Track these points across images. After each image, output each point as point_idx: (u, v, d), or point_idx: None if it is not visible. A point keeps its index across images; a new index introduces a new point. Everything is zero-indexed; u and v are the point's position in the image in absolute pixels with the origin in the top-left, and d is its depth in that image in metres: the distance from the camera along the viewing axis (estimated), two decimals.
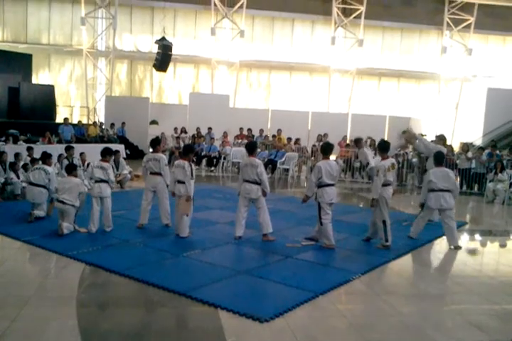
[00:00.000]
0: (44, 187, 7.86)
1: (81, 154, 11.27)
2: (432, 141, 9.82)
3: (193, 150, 7.73)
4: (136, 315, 4.29)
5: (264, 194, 6.91)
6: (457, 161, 13.71)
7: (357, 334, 4.08)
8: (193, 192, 6.86)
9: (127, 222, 7.77)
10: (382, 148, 7.13)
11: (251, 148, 7.14)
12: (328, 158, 6.86)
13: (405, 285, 5.52)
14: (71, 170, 7.34)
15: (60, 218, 7.01)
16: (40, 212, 7.73)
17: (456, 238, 7.28)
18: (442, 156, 7.68)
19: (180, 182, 6.81)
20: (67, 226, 6.84)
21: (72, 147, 10.81)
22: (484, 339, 4.15)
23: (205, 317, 4.33)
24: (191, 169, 6.78)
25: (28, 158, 10.09)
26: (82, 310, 4.33)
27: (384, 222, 6.83)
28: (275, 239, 6.93)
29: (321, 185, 6.60)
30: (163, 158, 7.54)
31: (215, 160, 16.01)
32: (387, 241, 6.79)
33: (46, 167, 8.09)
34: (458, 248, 7.18)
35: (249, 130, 17.60)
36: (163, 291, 4.80)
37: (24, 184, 9.36)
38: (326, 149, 6.88)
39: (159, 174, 7.37)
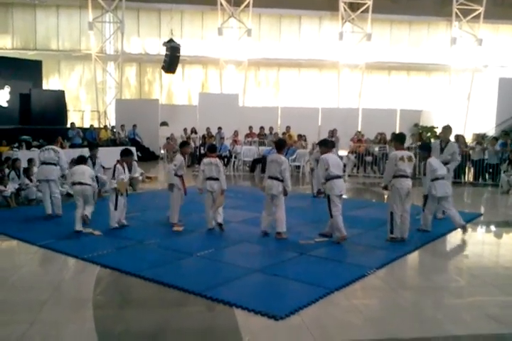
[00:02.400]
0: (55, 164, 8.43)
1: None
2: (439, 133, 9.77)
3: (216, 148, 8.02)
4: (152, 316, 4.31)
5: (285, 193, 6.96)
6: (470, 152, 13.58)
7: (373, 329, 4.06)
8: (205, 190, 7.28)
9: (141, 223, 7.82)
10: (399, 138, 7.27)
11: (280, 145, 7.28)
12: (331, 152, 7.04)
13: (421, 278, 5.48)
14: (82, 161, 7.96)
15: (80, 205, 7.33)
16: (89, 209, 7.61)
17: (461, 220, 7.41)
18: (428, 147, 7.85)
19: (212, 178, 7.13)
20: (89, 212, 7.36)
21: (96, 147, 10.84)
22: (502, 331, 4.11)
23: (220, 316, 4.34)
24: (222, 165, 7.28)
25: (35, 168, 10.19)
26: (98, 313, 4.36)
27: (391, 214, 6.83)
28: (288, 237, 6.92)
29: (329, 178, 6.68)
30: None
31: (226, 159, 16.03)
32: (392, 232, 6.80)
33: (55, 147, 8.71)
34: (465, 228, 7.40)
35: (262, 128, 17.56)
36: (179, 291, 4.82)
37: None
38: (327, 143, 7.20)
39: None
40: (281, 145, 7.32)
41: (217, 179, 7.15)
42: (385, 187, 7.04)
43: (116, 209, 7.30)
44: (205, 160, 7.33)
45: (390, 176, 6.86)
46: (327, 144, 7.16)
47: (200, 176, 7.32)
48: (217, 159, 7.31)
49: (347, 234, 6.72)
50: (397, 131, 17.49)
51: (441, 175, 7.28)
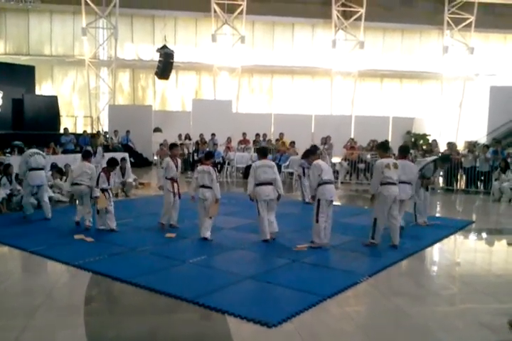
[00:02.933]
0: (43, 169, 8.64)
1: None
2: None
3: (213, 155, 7.89)
4: (144, 323, 4.29)
5: (279, 196, 7.08)
6: (462, 159, 13.67)
7: (365, 337, 4.07)
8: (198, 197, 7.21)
9: (133, 229, 7.80)
10: (382, 146, 7.41)
11: (264, 151, 7.46)
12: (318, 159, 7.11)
13: (413, 286, 5.49)
14: (87, 156, 8.27)
15: (79, 203, 7.89)
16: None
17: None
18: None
19: (205, 186, 7.05)
20: (88, 216, 7.69)
21: (125, 159, 11.23)
22: (493, 339, 4.12)
23: (213, 324, 4.33)
24: (215, 173, 7.19)
25: None
26: (90, 319, 4.34)
27: (375, 220, 6.88)
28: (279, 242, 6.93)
29: (321, 183, 6.72)
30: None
31: (219, 165, 16.03)
32: (372, 238, 6.87)
33: (40, 151, 8.98)
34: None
35: (257, 135, 17.53)
36: (171, 298, 4.80)
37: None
38: (314, 151, 7.41)
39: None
40: (265, 151, 7.50)
41: (209, 187, 7.05)
42: (373, 197, 7.02)
43: (98, 213, 7.57)
44: (199, 167, 7.32)
45: (377, 184, 6.89)
46: (315, 152, 7.34)
47: (193, 184, 7.28)
48: (210, 167, 7.19)
49: (329, 242, 6.78)
50: (390, 139, 17.61)
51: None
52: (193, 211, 8.49)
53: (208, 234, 7.08)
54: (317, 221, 6.68)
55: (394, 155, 14.38)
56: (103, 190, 7.52)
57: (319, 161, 6.93)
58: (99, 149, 9.89)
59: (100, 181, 7.51)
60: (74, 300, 4.84)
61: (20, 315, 4.39)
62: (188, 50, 24.25)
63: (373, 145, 15.54)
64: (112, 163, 7.85)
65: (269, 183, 6.99)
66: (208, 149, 16.78)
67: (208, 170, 7.09)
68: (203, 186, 7.08)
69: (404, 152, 8.01)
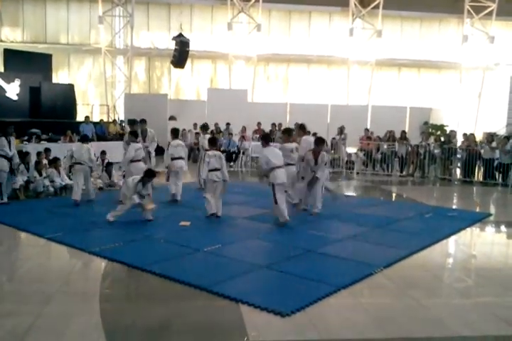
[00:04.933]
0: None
1: (102, 153, 11.38)
2: None
3: (217, 141, 8.35)
4: (158, 310, 4.31)
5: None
6: (481, 151, 13.45)
7: (379, 328, 4.04)
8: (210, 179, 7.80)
9: None
10: (288, 132, 8.44)
11: (267, 138, 7.88)
12: (269, 146, 7.70)
13: (428, 278, 5.43)
14: (85, 140, 9.31)
15: (85, 183, 8.96)
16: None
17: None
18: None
19: (217, 169, 7.56)
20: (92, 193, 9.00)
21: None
22: (509, 331, 4.07)
23: (226, 312, 4.33)
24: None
25: (45, 160, 10.24)
26: (105, 306, 4.37)
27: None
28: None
29: (272, 168, 7.28)
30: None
31: (234, 155, 16.00)
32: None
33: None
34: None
35: (273, 125, 17.44)
36: (185, 286, 4.82)
37: (46, 182, 9.57)
38: (267, 138, 7.86)
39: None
40: (268, 137, 7.97)
41: (219, 169, 7.60)
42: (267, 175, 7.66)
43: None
44: (210, 152, 7.71)
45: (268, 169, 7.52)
46: (267, 140, 7.73)
47: (206, 167, 7.59)
48: (219, 152, 7.80)
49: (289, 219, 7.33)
50: (407, 129, 17.40)
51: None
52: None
53: (220, 213, 7.73)
54: (276, 202, 7.28)
55: (411, 145, 14.25)
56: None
57: (267, 149, 7.53)
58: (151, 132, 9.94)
59: (138, 189, 7.33)
60: (89, 287, 4.88)
61: (35, 302, 4.43)
62: (204, 38, 24.16)
63: (390, 136, 15.39)
64: (150, 175, 7.53)
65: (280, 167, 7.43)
66: (223, 139, 16.76)
67: (219, 155, 7.68)
68: (214, 169, 7.55)
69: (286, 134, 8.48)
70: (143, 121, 9.94)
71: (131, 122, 10.53)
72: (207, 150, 8.02)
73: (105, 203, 9.04)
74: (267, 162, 7.31)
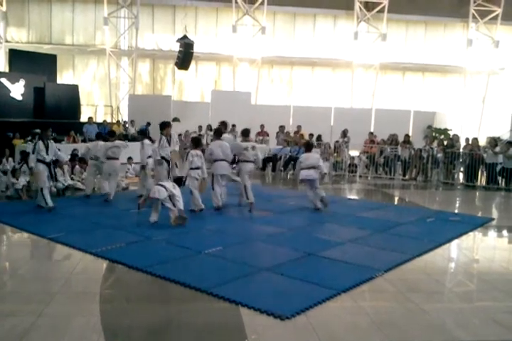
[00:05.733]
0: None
1: None
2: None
3: (201, 142, 8.84)
4: (158, 312, 4.32)
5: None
6: (484, 155, 13.42)
7: (379, 333, 4.03)
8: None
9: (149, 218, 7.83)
10: (245, 133, 9.44)
11: (309, 146, 9.52)
12: (220, 140, 8.73)
13: (429, 282, 5.42)
14: (99, 137, 10.11)
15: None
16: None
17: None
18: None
19: (198, 168, 8.20)
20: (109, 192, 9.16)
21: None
22: (509, 337, 4.05)
23: (226, 315, 4.33)
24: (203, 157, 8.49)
25: None
26: (105, 306, 4.38)
27: (245, 186, 8.75)
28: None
29: (214, 160, 8.49)
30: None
31: (236, 157, 15.96)
32: (248, 198, 8.64)
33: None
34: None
35: (282, 127, 17.40)
36: (185, 288, 4.82)
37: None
38: (219, 132, 8.96)
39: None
40: (219, 132, 8.98)
41: (200, 168, 8.27)
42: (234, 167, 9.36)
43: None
44: (193, 152, 8.28)
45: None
46: (219, 135, 8.84)
47: (188, 165, 8.15)
48: (200, 151, 8.43)
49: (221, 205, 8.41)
50: (410, 133, 17.40)
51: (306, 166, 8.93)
52: (207, 201, 8.54)
53: (203, 206, 8.30)
54: (213, 189, 8.50)
55: (414, 149, 14.24)
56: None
57: (214, 143, 8.67)
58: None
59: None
60: (90, 287, 4.89)
61: (36, 301, 4.44)
62: (208, 40, 24.21)
63: (393, 140, 15.37)
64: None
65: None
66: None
67: (200, 154, 8.36)
68: (196, 168, 8.18)
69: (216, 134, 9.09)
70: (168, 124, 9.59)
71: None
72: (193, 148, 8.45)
73: (110, 204, 9.08)
74: (211, 153, 8.49)
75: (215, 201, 8.53)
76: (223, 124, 9.86)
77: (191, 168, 8.17)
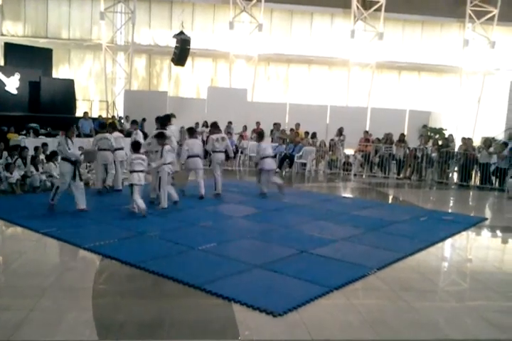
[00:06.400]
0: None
1: None
2: None
3: (140, 146, 8.37)
4: (151, 308, 4.32)
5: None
6: (478, 155, 13.47)
7: (371, 331, 4.05)
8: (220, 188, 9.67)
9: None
10: (215, 126, 10.12)
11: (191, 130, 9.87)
12: (196, 138, 9.76)
13: (422, 281, 5.45)
14: (103, 128, 10.23)
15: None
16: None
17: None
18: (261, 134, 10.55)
19: (170, 163, 8.27)
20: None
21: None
22: (500, 336, 4.09)
23: (219, 311, 4.34)
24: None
25: (42, 155, 10.25)
26: (98, 302, 4.38)
27: (215, 177, 9.55)
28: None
29: (189, 156, 9.05)
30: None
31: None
32: (215, 189, 9.52)
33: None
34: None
35: (276, 124, 17.37)
36: (178, 284, 4.83)
37: (43, 177, 9.57)
38: (191, 130, 9.81)
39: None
40: (192, 130, 9.86)
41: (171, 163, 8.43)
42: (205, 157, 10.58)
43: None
44: (167, 147, 8.28)
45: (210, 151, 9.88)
46: (192, 133, 9.69)
47: (161, 161, 8.15)
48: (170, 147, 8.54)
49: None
50: (406, 132, 17.42)
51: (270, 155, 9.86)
52: (204, 198, 8.53)
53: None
54: (174, 184, 8.84)
55: (409, 148, 14.28)
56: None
57: (191, 140, 9.38)
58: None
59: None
60: (83, 282, 4.88)
61: (28, 296, 4.43)
62: (205, 36, 24.14)
63: (387, 139, 15.40)
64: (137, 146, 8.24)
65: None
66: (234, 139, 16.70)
67: (172, 150, 8.54)
68: (169, 163, 8.26)
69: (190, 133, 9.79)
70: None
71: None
72: (164, 144, 8.33)
73: (103, 199, 9.06)
74: (188, 150, 9.08)
75: (163, 201, 8.23)
76: (215, 125, 10.23)
77: (165, 164, 8.19)
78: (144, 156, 8.09)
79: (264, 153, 9.74)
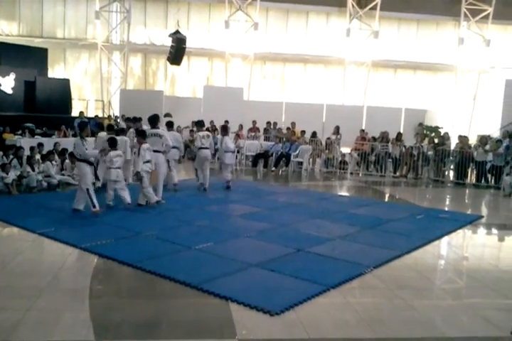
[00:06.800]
0: None
1: None
2: None
3: (146, 133, 8.47)
4: (147, 307, 4.31)
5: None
6: (474, 153, 13.51)
7: (368, 329, 4.06)
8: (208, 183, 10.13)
9: (140, 214, 7.82)
10: (199, 124, 10.62)
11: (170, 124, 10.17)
12: (173, 130, 10.22)
13: (418, 279, 5.46)
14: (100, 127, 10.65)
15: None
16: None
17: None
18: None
19: (148, 161, 8.25)
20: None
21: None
22: (497, 334, 4.10)
23: (216, 310, 4.34)
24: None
25: (38, 155, 10.23)
26: (95, 301, 4.37)
27: (196, 170, 10.29)
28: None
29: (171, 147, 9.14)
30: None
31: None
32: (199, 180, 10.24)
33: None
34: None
35: (268, 123, 17.49)
36: (175, 283, 4.82)
37: (40, 177, 9.54)
38: (170, 124, 10.09)
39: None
40: (171, 124, 10.21)
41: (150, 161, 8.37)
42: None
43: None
44: (144, 146, 8.20)
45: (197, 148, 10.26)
46: (171, 126, 10.13)
47: (141, 160, 8.12)
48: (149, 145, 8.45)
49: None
50: (402, 130, 17.46)
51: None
52: (203, 198, 8.54)
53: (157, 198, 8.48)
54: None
55: (405, 146, 14.31)
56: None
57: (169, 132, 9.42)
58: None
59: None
60: (79, 282, 4.87)
61: (25, 296, 4.42)
62: (201, 35, 24.11)
63: (383, 137, 15.42)
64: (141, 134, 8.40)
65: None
66: (218, 136, 16.68)
67: (150, 148, 8.36)
68: (148, 161, 8.23)
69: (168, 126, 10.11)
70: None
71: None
72: (142, 142, 8.31)
73: (99, 199, 9.03)
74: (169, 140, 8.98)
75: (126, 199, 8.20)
76: (201, 123, 10.75)
77: (144, 162, 8.18)
78: (121, 152, 8.35)
79: (227, 147, 10.32)
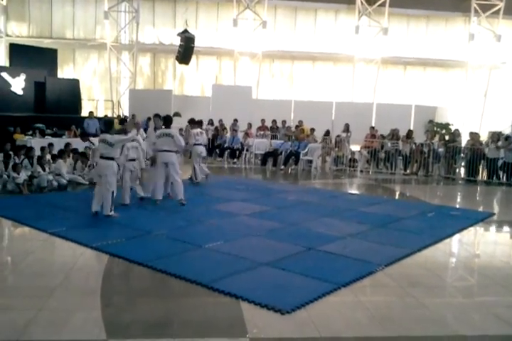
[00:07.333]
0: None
1: None
2: None
3: (127, 132, 8.32)
4: (158, 306, 4.32)
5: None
6: (485, 150, 13.39)
7: (380, 327, 4.04)
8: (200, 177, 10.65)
9: (150, 213, 7.85)
10: (193, 122, 10.84)
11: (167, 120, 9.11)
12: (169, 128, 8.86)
13: (430, 277, 5.42)
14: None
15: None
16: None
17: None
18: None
19: (133, 159, 8.42)
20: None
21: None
22: (508, 331, 4.06)
23: (226, 309, 4.34)
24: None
25: (48, 155, 10.30)
26: (106, 301, 4.39)
27: (194, 168, 10.55)
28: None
29: (157, 150, 8.51)
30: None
31: (237, 152, 16.00)
32: (196, 178, 10.51)
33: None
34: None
35: (274, 121, 17.52)
36: (186, 282, 4.83)
37: (50, 176, 9.61)
38: (168, 120, 8.94)
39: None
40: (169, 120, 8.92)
41: (135, 159, 8.46)
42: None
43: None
44: (129, 144, 8.18)
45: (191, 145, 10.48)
46: (168, 123, 8.88)
47: (124, 158, 8.12)
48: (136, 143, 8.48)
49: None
50: (412, 127, 17.36)
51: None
52: (209, 196, 8.54)
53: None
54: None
55: (415, 144, 14.21)
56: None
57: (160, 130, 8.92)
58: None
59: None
60: (91, 282, 4.89)
61: (36, 296, 4.45)
62: (209, 34, 24.14)
63: (393, 134, 15.33)
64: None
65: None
66: (227, 135, 16.73)
67: (137, 145, 8.41)
68: (133, 159, 8.35)
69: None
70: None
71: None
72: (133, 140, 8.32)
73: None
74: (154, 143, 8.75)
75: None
76: (195, 121, 10.96)
77: (128, 160, 8.26)
78: (136, 143, 8.47)
79: (197, 140, 10.55)
